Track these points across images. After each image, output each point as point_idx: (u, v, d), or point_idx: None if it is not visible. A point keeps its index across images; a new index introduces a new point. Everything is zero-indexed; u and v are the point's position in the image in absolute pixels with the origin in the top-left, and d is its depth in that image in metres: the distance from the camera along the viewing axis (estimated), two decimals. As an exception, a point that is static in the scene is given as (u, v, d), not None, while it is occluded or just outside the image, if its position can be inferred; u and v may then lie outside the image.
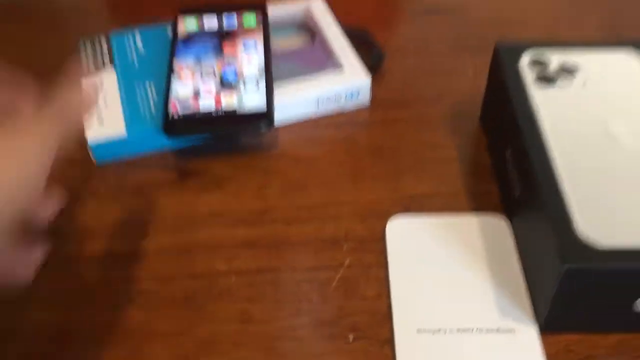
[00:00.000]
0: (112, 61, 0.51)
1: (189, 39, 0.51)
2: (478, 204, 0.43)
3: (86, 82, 0.32)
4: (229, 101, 0.46)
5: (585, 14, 0.58)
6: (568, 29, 0.56)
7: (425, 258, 0.39)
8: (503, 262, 0.39)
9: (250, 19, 0.53)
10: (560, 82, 0.42)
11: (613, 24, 0.56)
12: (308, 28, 0.56)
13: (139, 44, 0.53)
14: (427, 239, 0.40)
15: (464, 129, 0.48)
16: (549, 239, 0.34)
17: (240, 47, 0.50)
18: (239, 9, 0.54)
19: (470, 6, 0.59)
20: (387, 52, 0.54)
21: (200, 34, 0.51)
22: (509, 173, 0.41)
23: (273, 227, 0.42)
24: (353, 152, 0.47)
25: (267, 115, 0.45)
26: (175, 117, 0.45)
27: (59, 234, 0.42)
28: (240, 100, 0.46)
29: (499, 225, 0.41)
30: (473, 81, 0.51)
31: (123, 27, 0.55)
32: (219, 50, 0.50)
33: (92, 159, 0.46)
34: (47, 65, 0.54)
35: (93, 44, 0.53)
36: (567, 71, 0.43)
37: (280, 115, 0.48)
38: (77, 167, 0.46)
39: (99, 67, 0.51)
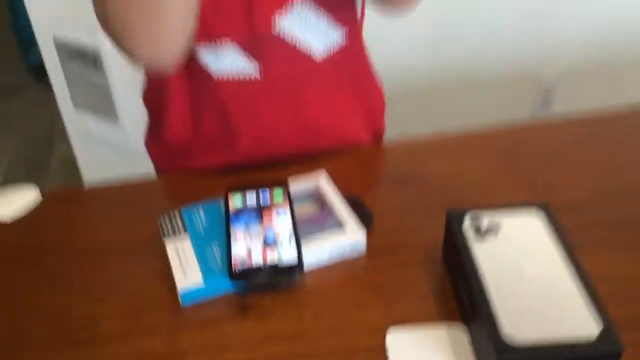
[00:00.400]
0: (185, 230, 0.73)
1: (238, 212, 0.74)
2: (446, 319, 0.64)
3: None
4: (272, 256, 0.68)
5: (516, 178, 0.82)
6: (503, 189, 0.80)
7: (414, 358, 0.60)
8: (464, 357, 0.60)
9: (278, 194, 0.76)
10: (488, 237, 0.65)
11: (536, 184, 0.81)
12: (318, 197, 0.79)
13: (202, 216, 0.75)
14: (415, 345, 0.61)
15: (432, 267, 0.70)
16: (487, 341, 0.55)
17: (274, 216, 0.73)
18: (270, 185, 0.77)
19: (431, 177, 0.83)
20: (374, 212, 0.77)
21: (246, 208, 0.74)
22: (462, 298, 0.63)
23: (310, 343, 0.62)
24: (357, 287, 0.68)
25: (298, 266, 0.67)
26: (237, 270, 0.67)
27: (161, 357, 0.62)
28: (279, 255, 0.68)
29: (460, 333, 0.62)
30: (434, 234, 0.74)
31: (188, 204, 0.77)
32: (260, 219, 0.72)
33: (179, 301, 0.67)
34: (130, 240, 0.76)
35: (169, 218, 0.75)
36: (492, 229, 0.66)
37: (305, 263, 0.70)
38: (168, 310, 0.66)
39: (176, 234, 0.73)
